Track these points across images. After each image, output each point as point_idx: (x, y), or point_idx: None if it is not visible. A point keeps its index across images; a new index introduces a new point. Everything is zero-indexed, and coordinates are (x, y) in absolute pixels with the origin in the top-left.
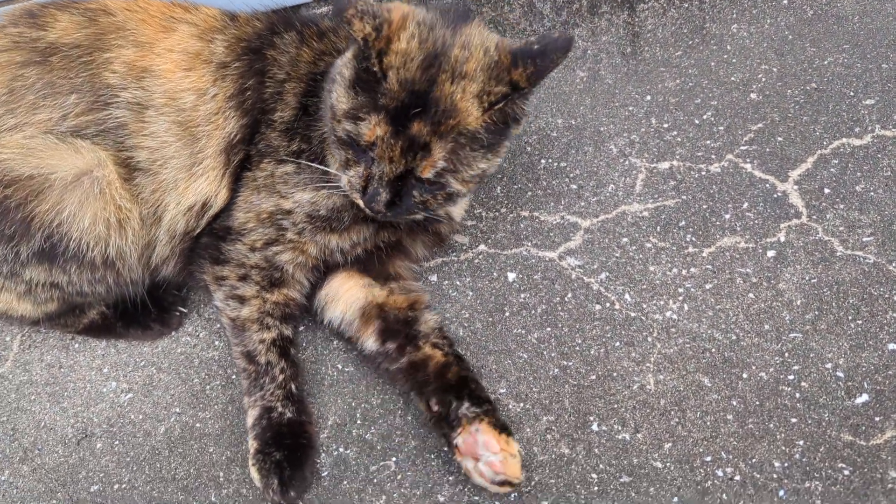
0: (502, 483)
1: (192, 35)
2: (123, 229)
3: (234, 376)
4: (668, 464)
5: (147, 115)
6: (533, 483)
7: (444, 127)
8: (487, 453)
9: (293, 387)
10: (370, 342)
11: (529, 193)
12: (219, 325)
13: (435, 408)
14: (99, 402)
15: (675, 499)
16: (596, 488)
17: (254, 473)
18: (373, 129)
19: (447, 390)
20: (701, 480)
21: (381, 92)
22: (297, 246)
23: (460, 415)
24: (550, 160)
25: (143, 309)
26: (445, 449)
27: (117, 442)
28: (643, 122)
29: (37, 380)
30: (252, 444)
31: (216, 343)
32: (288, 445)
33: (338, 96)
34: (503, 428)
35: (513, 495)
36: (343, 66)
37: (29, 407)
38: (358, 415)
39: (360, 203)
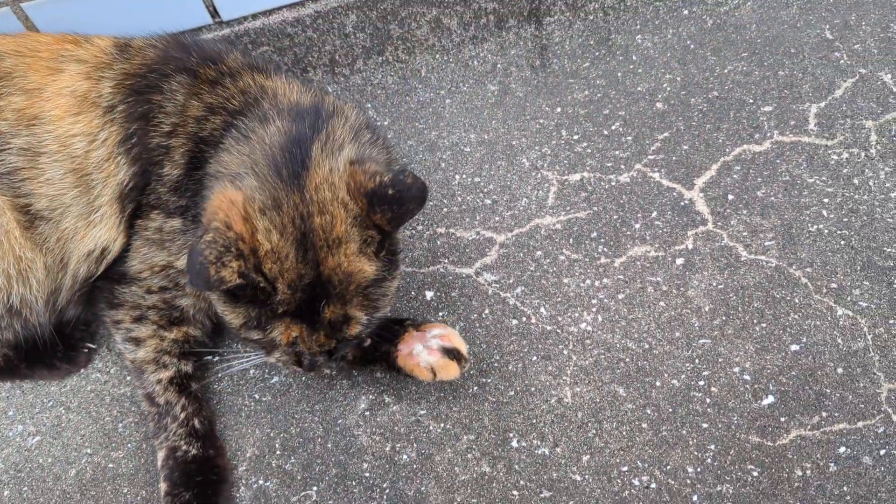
0: (451, 352)
1: (81, 74)
2: (26, 279)
3: (146, 412)
4: (586, 476)
5: (41, 162)
6: (455, 503)
7: (350, 294)
8: (434, 335)
9: (196, 423)
10: None
11: (445, 210)
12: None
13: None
14: (4, 447)
15: None
16: None
17: None
18: (286, 332)
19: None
20: (619, 491)
21: (276, 302)
22: (199, 294)
23: (397, 330)
24: (465, 175)
25: (50, 347)
26: (379, 374)
27: (25, 488)
28: (554, 135)
29: None
30: (162, 487)
31: (127, 379)
32: (198, 483)
33: (222, 309)
34: None
35: None
36: None
37: None
38: (277, 445)
39: (300, 370)
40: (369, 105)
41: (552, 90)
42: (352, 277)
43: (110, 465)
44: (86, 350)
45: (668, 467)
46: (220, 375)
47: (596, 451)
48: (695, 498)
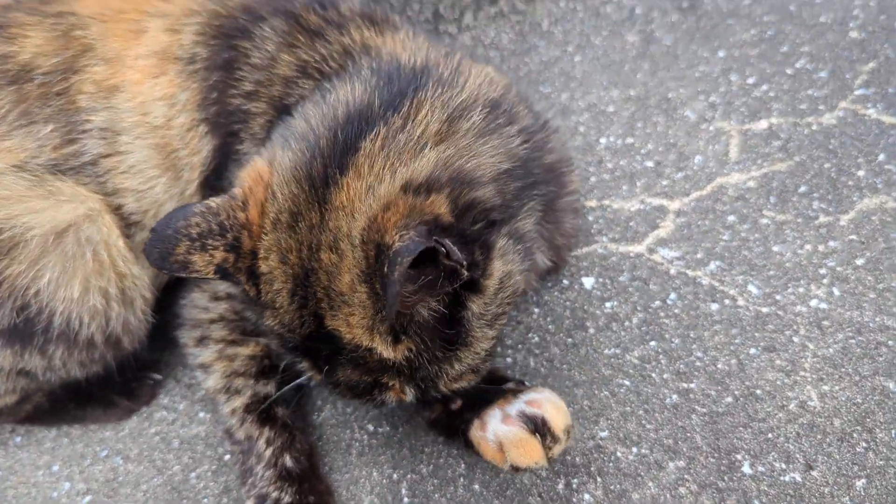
0: (536, 423)
1: (163, 29)
2: (131, 300)
3: (227, 455)
4: None
5: (122, 143)
6: None
7: (374, 365)
8: (523, 398)
9: (288, 460)
10: None
11: (593, 179)
12: (203, 391)
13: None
14: None
15: None
16: None
17: None
18: (313, 376)
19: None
20: None
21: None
22: None
23: (494, 393)
24: (612, 137)
25: (103, 380)
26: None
27: None
28: (721, 82)
29: None
30: None
31: (201, 415)
32: None
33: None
34: None
35: None
36: None
37: None
38: (404, 490)
39: None
40: None
41: (708, 34)
42: (370, 353)
43: None
44: (150, 382)
45: None
46: (318, 403)
47: (875, 473)
48: None
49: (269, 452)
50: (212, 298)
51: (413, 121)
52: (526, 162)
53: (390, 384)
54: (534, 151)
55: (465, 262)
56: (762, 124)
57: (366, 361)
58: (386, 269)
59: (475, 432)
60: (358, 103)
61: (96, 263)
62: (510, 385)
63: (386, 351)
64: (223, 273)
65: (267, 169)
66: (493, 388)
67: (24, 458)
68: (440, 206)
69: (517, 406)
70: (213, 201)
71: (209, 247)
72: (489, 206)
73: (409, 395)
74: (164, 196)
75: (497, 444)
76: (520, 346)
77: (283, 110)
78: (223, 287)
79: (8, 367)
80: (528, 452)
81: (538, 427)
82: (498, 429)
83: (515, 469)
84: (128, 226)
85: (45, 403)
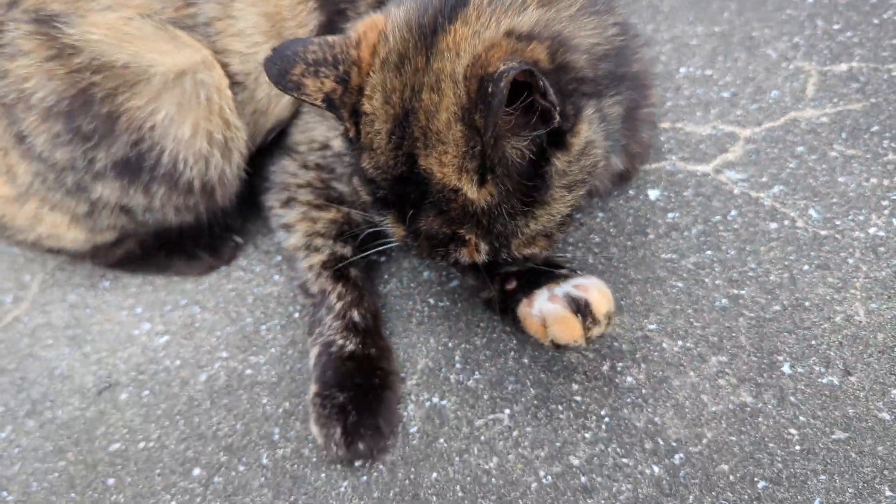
0: (579, 304)
1: None
2: (230, 152)
3: (296, 314)
4: None
5: (234, 9)
6: (704, 441)
7: (455, 212)
8: (572, 283)
9: (355, 315)
10: None
11: (669, 104)
12: (279, 258)
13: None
14: (128, 346)
15: None
16: (797, 447)
17: (312, 424)
18: (395, 230)
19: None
20: None
21: (365, 172)
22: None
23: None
24: (692, 68)
25: (192, 234)
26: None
27: (146, 392)
28: (807, 25)
29: (56, 323)
30: (311, 389)
31: (275, 278)
32: (355, 385)
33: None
34: None
35: (677, 456)
36: None
37: (43, 353)
38: (457, 357)
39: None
40: None
41: None
42: (455, 195)
43: (248, 372)
44: (232, 243)
45: None
46: (385, 276)
47: None
48: None
49: (339, 305)
50: (301, 166)
51: None
52: (619, 52)
53: (467, 237)
54: (625, 49)
55: (558, 107)
56: (842, 67)
57: (449, 207)
58: (490, 88)
59: (523, 309)
60: None
61: (207, 107)
62: (563, 271)
63: (471, 191)
64: (330, 104)
65: (382, 18)
66: (547, 272)
67: (111, 300)
68: (540, 53)
69: (564, 288)
70: (331, 38)
71: (322, 74)
72: (581, 76)
73: (483, 253)
74: None
75: (541, 319)
76: (580, 244)
77: None
78: (312, 157)
79: (114, 200)
80: (568, 330)
81: (580, 308)
82: (543, 306)
83: (556, 346)
84: (232, 84)
85: (137, 250)
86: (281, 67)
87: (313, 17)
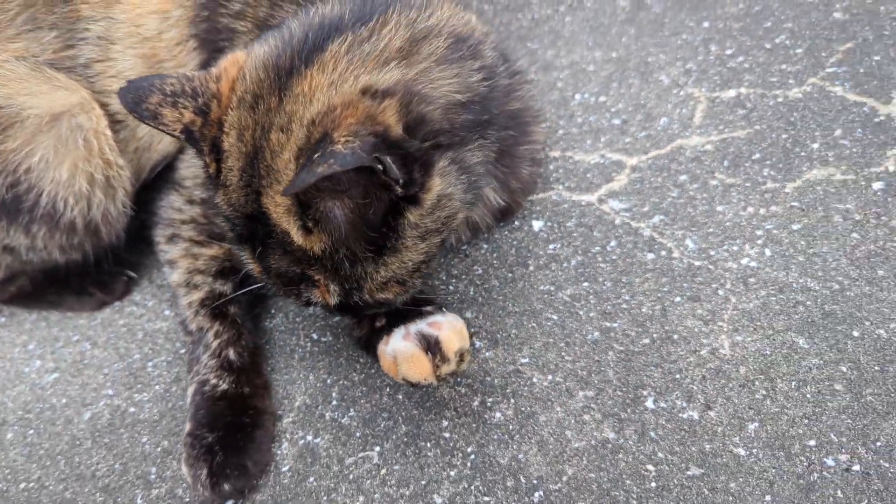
0: (430, 342)
1: None
2: (113, 190)
3: (182, 350)
4: (754, 450)
5: (113, 52)
6: (565, 479)
7: (297, 254)
8: (428, 320)
9: (231, 354)
10: None
11: (561, 131)
12: (171, 293)
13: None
14: (17, 383)
15: (768, 497)
16: (653, 484)
17: (183, 464)
18: (252, 266)
19: None
20: (804, 472)
21: (221, 210)
22: None
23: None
24: (587, 95)
25: (82, 271)
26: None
27: (31, 431)
28: (700, 50)
29: None
30: (186, 428)
31: (166, 313)
32: (225, 425)
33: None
34: None
35: (537, 494)
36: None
37: None
38: (334, 394)
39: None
40: None
41: (697, 4)
42: (290, 237)
43: (131, 410)
44: (125, 278)
45: (879, 444)
46: (272, 311)
47: (768, 419)
48: None
49: (215, 344)
50: (187, 201)
51: (378, 34)
52: (484, 99)
53: (316, 278)
54: (494, 92)
55: (401, 180)
56: (731, 93)
57: (291, 248)
58: (316, 156)
59: (381, 346)
60: (331, 16)
61: (85, 149)
62: (429, 308)
63: (298, 238)
64: (189, 136)
65: (243, 56)
66: (414, 310)
67: (4, 336)
68: (391, 115)
69: (419, 325)
70: (190, 72)
71: (180, 105)
72: (437, 129)
73: (334, 294)
74: None
75: (393, 357)
76: (463, 276)
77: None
78: (198, 192)
79: None
80: (417, 368)
81: (430, 346)
82: (397, 344)
83: (409, 384)
84: (114, 124)
85: (28, 287)
86: (136, 96)
87: (193, 56)
